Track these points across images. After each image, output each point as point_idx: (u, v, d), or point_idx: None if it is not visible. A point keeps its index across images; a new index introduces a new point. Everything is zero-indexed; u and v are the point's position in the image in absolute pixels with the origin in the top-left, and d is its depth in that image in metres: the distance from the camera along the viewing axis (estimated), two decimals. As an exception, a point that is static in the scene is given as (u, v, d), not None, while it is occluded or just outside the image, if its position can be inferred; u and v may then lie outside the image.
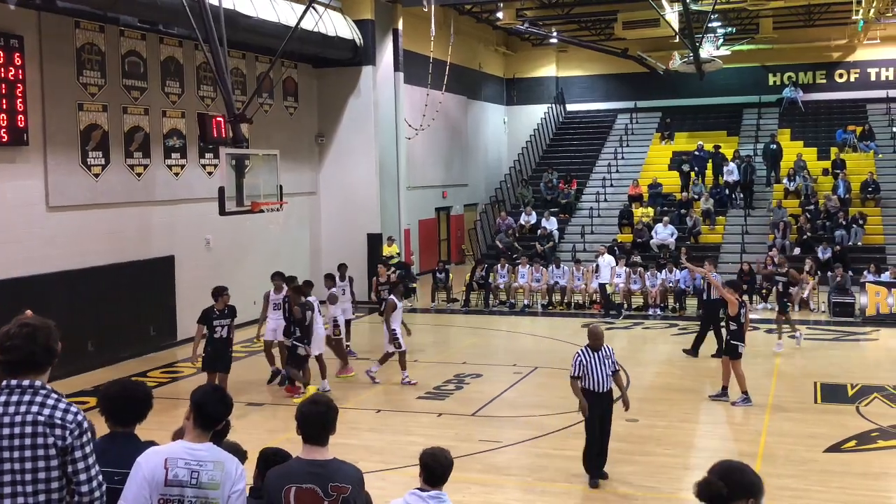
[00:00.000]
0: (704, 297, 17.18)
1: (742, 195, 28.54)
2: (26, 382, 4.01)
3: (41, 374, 4.07)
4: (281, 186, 17.06)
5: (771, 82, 35.15)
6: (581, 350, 10.11)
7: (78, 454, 4.00)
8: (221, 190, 15.49)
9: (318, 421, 4.65)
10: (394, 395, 14.49)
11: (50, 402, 4.01)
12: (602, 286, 22.39)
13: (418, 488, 5.18)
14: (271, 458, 4.95)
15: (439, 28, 26.27)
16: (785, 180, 28.71)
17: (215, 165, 19.34)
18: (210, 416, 4.44)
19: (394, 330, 14.92)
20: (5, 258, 15.07)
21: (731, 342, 13.37)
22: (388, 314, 14.97)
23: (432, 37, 25.27)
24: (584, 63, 36.85)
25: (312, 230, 24.44)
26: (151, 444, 4.81)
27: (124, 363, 16.87)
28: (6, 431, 3.93)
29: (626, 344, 18.98)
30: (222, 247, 20.30)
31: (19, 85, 15.07)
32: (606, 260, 22.55)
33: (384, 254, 23.79)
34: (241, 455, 4.83)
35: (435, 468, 5.19)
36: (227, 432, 5.06)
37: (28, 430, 3.93)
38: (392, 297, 15.22)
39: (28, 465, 3.93)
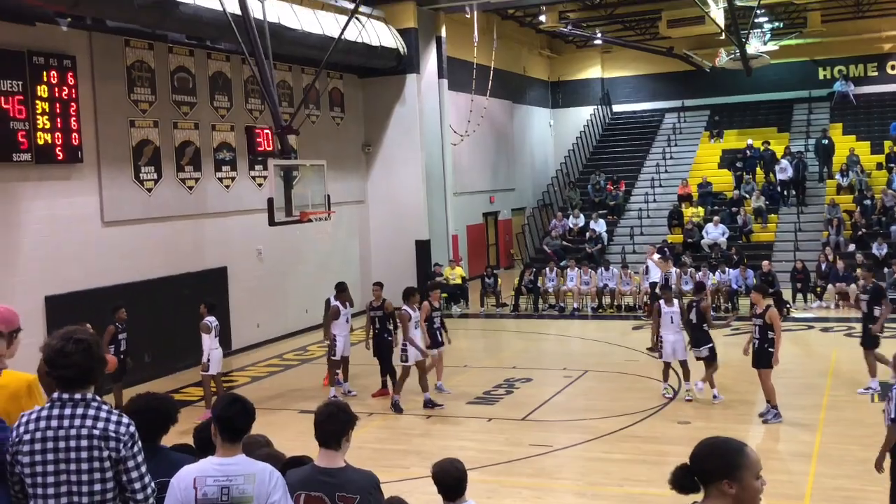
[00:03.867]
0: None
1: (794, 192, 28.12)
2: (78, 396, 4.09)
3: (92, 386, 4.17)
4: (328, 196, 17.25)
5: (821, 76, 34.60)
6: None
7: (131, 464, 4.08)
8: (270, 201, 15.72)
9: (329, 426, 4.65)
10: (444, 401, 14.53)
11: (102, 414, 4.08)
12: (652, 286, 21.93)
13: None
14: (290, 465, 4.97)
15: (482, 34, 26.34)
16: (837, 175, 28.24)
17: (265, 177, 19.58)
18: (235, 428, 4.41)
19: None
20: (63, 273, 15.48)
21: (769, 349, 12.36)
22: (656, 319, 14.30)
23: (475, 43, 25.38)
24: (629, 63, 36.65)
25: (361, 238, 24.66)
26: (182, 449, 4.91)
27: (181, 373, 17.17)
28: (62, 445, 4.01)
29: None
30: (274, 257, 20.59)
31: (73, 104, 15.48)
32: (656, 259, 22.08)
33: (445, 276, 23.73)
34: (277, 461, 4.90)
35: (448, 481, 5.14)
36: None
37: (84, 443, 4.01)
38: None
39: (84, 478, 4.01)
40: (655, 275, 21.03)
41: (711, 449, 3.45)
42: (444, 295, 23.90)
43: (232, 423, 4.41)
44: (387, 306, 14.81)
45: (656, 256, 20.03)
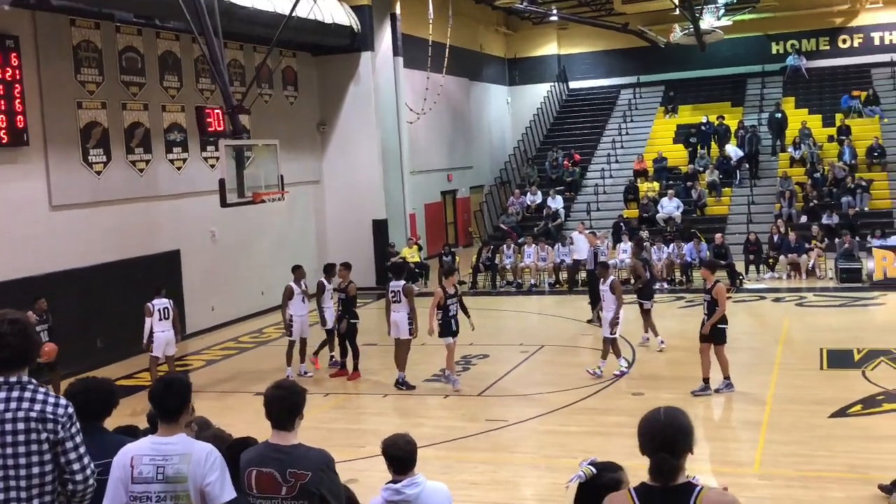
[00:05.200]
0: (589, 267, 18.50)
1: (748, 166, 28.38)
2: (13, 379, 4.04)
3: (26, 368, 4.11)
4: (282, 176, 17.08)
5: (774, 51, 34.88)
6: None
7: (69, 444, 4.06)
8: (222, 182, 15.51)
9: (279, 406, 4.64)
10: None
11: (39, 397, 4.04)
12: (576, 262, 22.12)
13: (391, 481, 5.12)
14: (233, 447, 4.94)
15: (438, 10, 26.19)
16: (790, 149, 28.59)
17: (217, 158, 19.35)
18: (165, 409, 4.39)
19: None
20: (11, 259, 15.20)
21: (719, 326, 12.29)
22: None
23: (430, 20, 25.22)
24: (585, 40, 36.69)
25: (318, 218, 24.51)
26: (127, 431, 4.86)
27: (134, 358, 16.95)
28: None
29: (632, 317, 18.97)
30: (228, 239, 20.40)
31: (17, 85, 15.14)
32: (586, 234, 22.34)
33: (403, 255, 23.63)
34: (223, 442, 4.86)
35: (398, 455, 5.11)
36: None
37: (21, 426, 3.96)
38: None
39: (22, 461, 3.97)
40: (583, 251, 20.98)
41: (679, 429, 3.59)
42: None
43: (161, 404, 4.39)
44: (350, 289, 14.69)
45: (586, 231, 20.47)
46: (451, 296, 13.58)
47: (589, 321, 17.93)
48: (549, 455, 10.62)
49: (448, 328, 13.51)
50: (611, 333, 13.83)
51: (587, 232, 20.18)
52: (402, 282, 14.22)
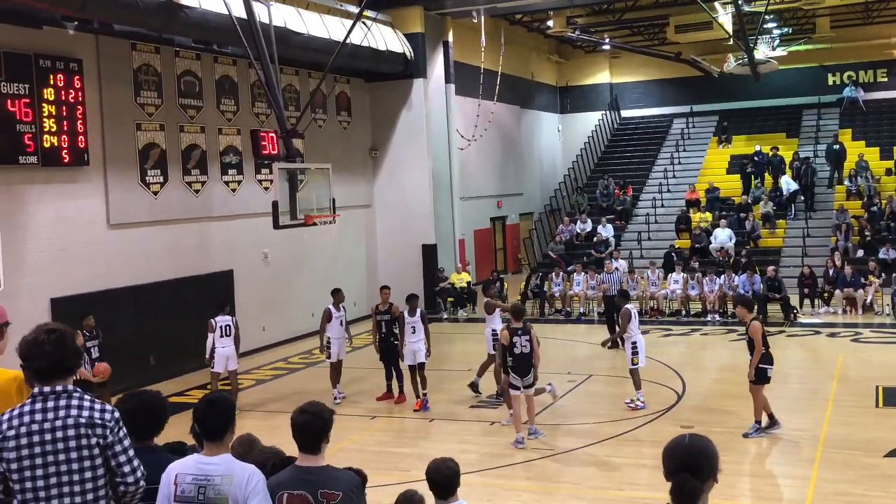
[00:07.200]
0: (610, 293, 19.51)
1: (802, 198, 27.93)
2: (59, 388, 4.14)
3: (69, 377, 4.21)
4: (334, 199, 17.29)
5: (830, 82, 34.49)
6: None
7: (118, 448, 4.15)
8: (275, 204, 15.78)
9: (304, 431, 4.67)
10: (447, 405, 14.53)
11: (86, 403, 4.15)
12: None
13: None
14: (277, 465, 4.97)
15: (490, 39, 26.34)
16: (847, 181, 28.14)
17: (271, 181, 19.63)
18: (209, 428, 4.42)
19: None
20: (69, 275, 15.54)
21: (760, 365, 11.79)
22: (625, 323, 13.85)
23: (483, 48, 25.38)
24: (637, 68, 36.64)
25: (368, 242, 24.68)
26: (174, 447, 4.90)
27: (187, 376, 17.20)
28: (48, 437, 4.06)
29: (684, 350, 18.79)
30: (280, 260, 20.63)
31: (79, 107, 15.56)
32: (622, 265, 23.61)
33: (452, 281, 23.90)
34: (276, 457, 4.90)
35: (440, 481, 5.18)
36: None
37: (71, 433, 4.06)
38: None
39: (75, 466, 4.07)
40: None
41: (703, 452, 3.49)
42: (451, 300, 24.00)
43: (204, 423, 4.43)
44: (393, 310, 14.80)
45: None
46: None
47: (603, 343, 17.21)
48: (595, 486, 10.51)
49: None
50: (632, 364, 13.75)
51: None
52: (486, 299, 15.10)
